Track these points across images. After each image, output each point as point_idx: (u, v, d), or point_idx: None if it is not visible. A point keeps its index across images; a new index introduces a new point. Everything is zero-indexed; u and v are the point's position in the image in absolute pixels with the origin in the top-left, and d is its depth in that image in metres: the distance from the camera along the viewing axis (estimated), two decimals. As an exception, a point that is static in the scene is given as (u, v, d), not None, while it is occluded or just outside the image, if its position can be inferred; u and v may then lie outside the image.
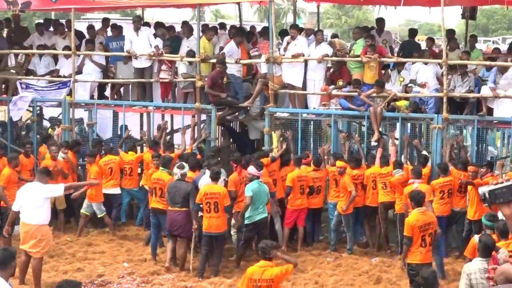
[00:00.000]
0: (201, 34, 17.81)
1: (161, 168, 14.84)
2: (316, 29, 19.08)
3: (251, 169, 14.30)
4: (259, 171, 14.28)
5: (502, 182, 5.46)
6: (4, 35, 20.40)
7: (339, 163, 15.49)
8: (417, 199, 12.33)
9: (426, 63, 16.92)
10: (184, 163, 14.39)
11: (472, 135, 16.60)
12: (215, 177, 13.93)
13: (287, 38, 17.50)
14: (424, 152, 15.94)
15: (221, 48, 18.12)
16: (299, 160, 15.75)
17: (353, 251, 15.47)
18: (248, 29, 21.06)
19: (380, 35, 19.02)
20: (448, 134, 16.35)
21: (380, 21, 19.80)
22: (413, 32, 20.29)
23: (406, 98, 16.45)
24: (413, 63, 17.23)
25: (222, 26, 20.60)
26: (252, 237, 14.39)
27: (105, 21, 20.78)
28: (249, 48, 18.22)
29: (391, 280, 13.71)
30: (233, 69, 17.40)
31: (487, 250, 9.42)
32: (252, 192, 14.07)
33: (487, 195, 5.64)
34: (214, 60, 17.40)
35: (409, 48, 18.74)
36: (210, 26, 19.76)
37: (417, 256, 12.11)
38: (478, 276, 9.16)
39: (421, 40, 19.93)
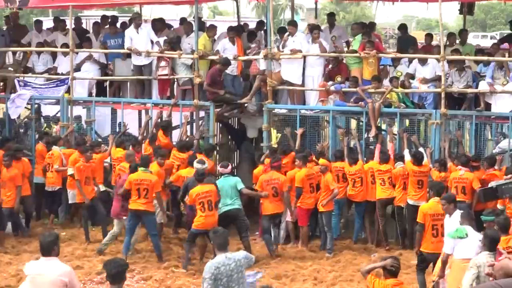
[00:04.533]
0: (202, 31, 17.86)
1: (141, 168, 14.48)
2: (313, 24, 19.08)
3: (219, 167, 15.18)
4: (226, 168, 14.78)
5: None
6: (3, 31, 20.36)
7: (321, 161, 15.52)
8: (437, 189, 12.75)
9: (423, 63, 16.89)
10: (204, 159, 14.59)
11: (471, 130, 16.64)
12: (200, 179, 14.03)
13: (285, 35, 17.50)
14: (421, 149, 15.93)
15: (221, 46, 18.14)
16: (305, 158, 15.57)
17: (333, 251, 15.25)
18: (242, 25, 21.00)
19: (330, 30, 19.00)
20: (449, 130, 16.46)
21: (330, 16, 19.96)
22: (403, 28, 20.27)
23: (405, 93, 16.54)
24: (409, 60, 17.26)
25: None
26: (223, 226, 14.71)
27: (105, 18, 20.70)
28: (248, 46, 18.21)
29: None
30: None
31: (493, 244, 9.57)
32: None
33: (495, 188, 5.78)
34: (213, 57, 17.42)
35: (404, 43, 18.77)
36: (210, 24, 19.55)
37: (429, 245, 12.23)
38: (487, 269, 9.21)
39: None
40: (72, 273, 8.39)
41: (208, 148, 16.54)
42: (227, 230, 9.25)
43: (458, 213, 11.68)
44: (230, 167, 14.94)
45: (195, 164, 14.39)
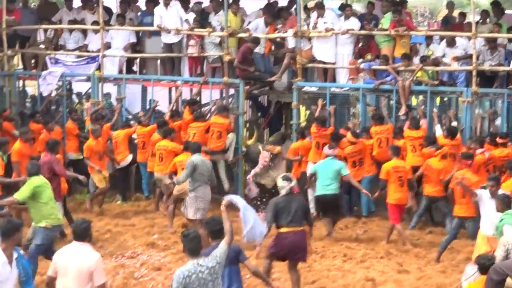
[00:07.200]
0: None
1: None
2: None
3: (325, 149, 14.63)
4: (333, 150, 14.48)
5: None
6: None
7: (349, 136, 15.63)
8: None
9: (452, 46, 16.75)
10: (289, 175, 12.13)
11: (502, 108, 16.52)
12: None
13: (314, 14, 17.43)
14: (454, 123, 15.81)
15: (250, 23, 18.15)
16: (397, 150, 14.71)
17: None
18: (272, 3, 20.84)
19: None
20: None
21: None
22: (450, 7, 20.02)
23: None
24: (441, 38, 17.15)
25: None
26: (321, 209, 14.62)
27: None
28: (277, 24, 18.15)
29: (419, 253, 13.76)
30: None
31: None
32: (314, 170, 14.46)
33: None
34: (243, 35, 17.43)
35: (449, 23, 18.58)
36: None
37: None
38: None
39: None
40: (100, 261, 8.44)
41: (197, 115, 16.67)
42: (199, 234, 8.05)
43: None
44: (337, 150, 14.68)
45: (280, 182, 11.46)
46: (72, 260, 8.31)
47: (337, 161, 14.48)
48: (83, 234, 8.44)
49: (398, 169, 14.32)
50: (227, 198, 8.80)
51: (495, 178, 11.95)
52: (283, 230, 11.11)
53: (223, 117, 16.55)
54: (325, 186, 14.21)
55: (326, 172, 14.24)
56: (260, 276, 9.70)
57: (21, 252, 8.42)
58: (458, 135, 15.29)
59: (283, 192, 11.32)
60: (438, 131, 15.53)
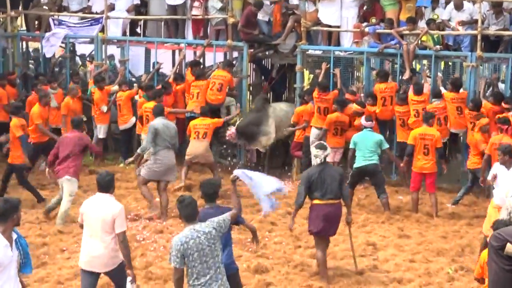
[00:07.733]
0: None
1: None
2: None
3: (362, 120, 14.42)
4: (371, 122, 14.30)
5: None
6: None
7: (355, 106, 15.50)
8: None
9: (459, 9, 16.55)
10: (323, 143, 11.30)
11: (507, 73, 16.44)
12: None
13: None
14: None
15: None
16: (428, 117, 14.31)
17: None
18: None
19: None
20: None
21: None
22: None
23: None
24: (446, 3, 16.99)
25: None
26: (355, 181, 14.32)
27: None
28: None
29: (421, 218, 13.79)
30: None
31: None
32: (354, 143, 14.12)
33: None
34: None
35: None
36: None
37: None
38: None
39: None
40: (123, 211, 8.84)
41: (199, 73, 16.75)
42: (195, 200, 7.92)
43: None
44: (374, 123, 14.58)
45: (314, 150, 10.72)
46: (98, 209, 8.78)
47: (375, 134, 14.34)
48: (107, 185, 8.91)
49: (425, 136, 14.05)
50: (235, 173, 8.73)
51: (503, 148, 11.53)
52: (316, 202, 10.61)
53: (226, 71, 16.58)
54: (367, 158, 13.92)
55: (366, 144, 13.98)
56: (254, 234, 9.65)
57: (19, 232, 8.20)
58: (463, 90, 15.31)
59: (317, 161, 10.62)
60: (443, 90, 15.58)
